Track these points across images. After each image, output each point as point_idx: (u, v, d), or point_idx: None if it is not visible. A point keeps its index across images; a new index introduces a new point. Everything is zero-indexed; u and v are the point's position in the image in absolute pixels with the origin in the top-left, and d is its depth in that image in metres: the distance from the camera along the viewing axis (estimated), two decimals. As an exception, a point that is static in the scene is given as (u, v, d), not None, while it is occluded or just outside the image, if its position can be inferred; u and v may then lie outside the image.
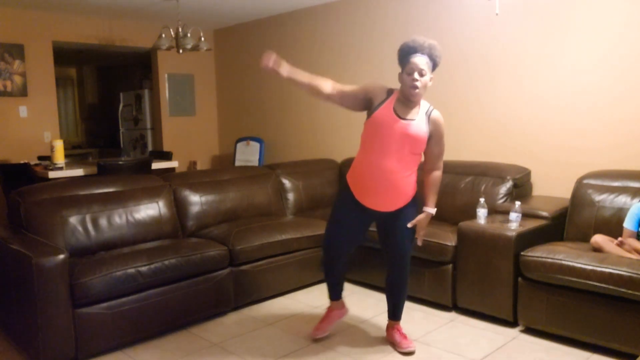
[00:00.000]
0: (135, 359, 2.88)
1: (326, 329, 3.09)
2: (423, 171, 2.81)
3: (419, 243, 2.88)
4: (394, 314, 2.99)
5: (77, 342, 2.77)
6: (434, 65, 2.66)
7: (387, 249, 2.88)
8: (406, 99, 2.65)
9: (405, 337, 2.94)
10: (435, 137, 2.72)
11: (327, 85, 2.70)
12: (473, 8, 4.24)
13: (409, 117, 2.65)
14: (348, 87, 2.72)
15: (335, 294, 3.11)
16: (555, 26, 3.81)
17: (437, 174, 2.82)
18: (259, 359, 2.85)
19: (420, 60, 2.60)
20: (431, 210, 2.80)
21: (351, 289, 3.89)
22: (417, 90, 2.60)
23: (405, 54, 2.66)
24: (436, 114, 2.73)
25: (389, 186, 2.68)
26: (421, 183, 2.83)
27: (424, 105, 2.72)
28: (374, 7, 4.99)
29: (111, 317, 2.88)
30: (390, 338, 2.99)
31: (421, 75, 2.59)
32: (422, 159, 2.81)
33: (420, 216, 2.79)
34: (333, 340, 3.06)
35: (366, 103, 2.72)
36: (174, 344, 3.05)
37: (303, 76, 2.69)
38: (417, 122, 2.66)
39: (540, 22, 3.88)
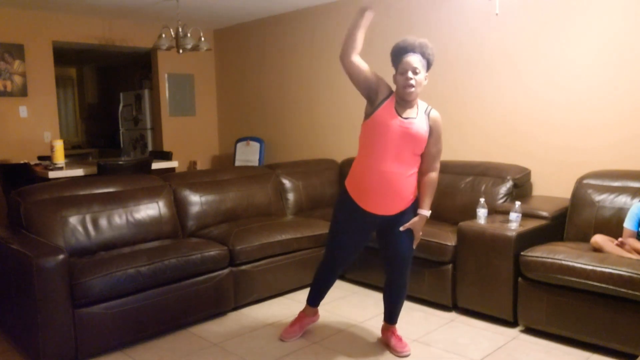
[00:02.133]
0: (135, 359, 2.88)
1: (298, 334, 3.08)
2: (419, 172, 2.72)
3: (413, 246, 2.81)
4: (391, 317, 2.96)
5: (77, 342, 2.77)
6: (428, 64, 2.63)
7: (388, 254, 2.83)
8: (402, 100, 2.61)
9: (400, 339, 2.92)
10: (434, 137, 2.69)
11: (356, 52, 2.60)
12: (473, 8, 4.24)
13: (410, 116, 2.62)
14: (366, 66, 2.62)
15: (317, 301, 3.10)
16: (555, 26, 3.81)
17: (434, 175, 2.74)
18: (259, 359, 2.86)
19: (413, 59, 2.56)
20: (426, 212, 2.73)
21: (351, 289, 3.90)
22: (412, 90, 2.55)
23: (397, 54, 2.63)
24: (435, 113, 2.71)
25: (390, 188, 2.62)
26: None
27: (422, 104, 2.69)
28: (375, 7, 4.96)
29: (111, 317, 2.88)
30: (386, 341, 2.97)
31: (415, 73, 2.55)
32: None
33: (415, 219, 2.71)
34: (333, 340, 3.06)
35: (370, 91, 2.63)
36: (174, 344, 3.05)
37: (362, 31, 2.63)
38: (418, 120, 2.63)
39: (540, 22, 3.88)
